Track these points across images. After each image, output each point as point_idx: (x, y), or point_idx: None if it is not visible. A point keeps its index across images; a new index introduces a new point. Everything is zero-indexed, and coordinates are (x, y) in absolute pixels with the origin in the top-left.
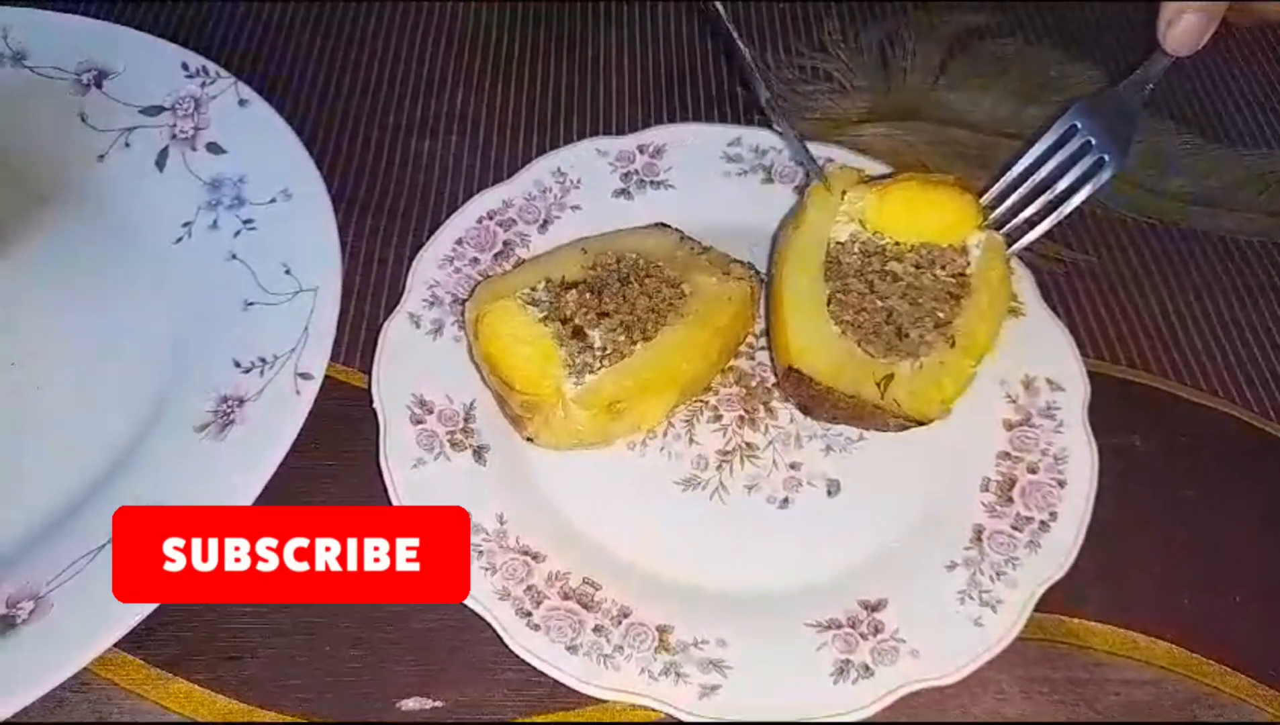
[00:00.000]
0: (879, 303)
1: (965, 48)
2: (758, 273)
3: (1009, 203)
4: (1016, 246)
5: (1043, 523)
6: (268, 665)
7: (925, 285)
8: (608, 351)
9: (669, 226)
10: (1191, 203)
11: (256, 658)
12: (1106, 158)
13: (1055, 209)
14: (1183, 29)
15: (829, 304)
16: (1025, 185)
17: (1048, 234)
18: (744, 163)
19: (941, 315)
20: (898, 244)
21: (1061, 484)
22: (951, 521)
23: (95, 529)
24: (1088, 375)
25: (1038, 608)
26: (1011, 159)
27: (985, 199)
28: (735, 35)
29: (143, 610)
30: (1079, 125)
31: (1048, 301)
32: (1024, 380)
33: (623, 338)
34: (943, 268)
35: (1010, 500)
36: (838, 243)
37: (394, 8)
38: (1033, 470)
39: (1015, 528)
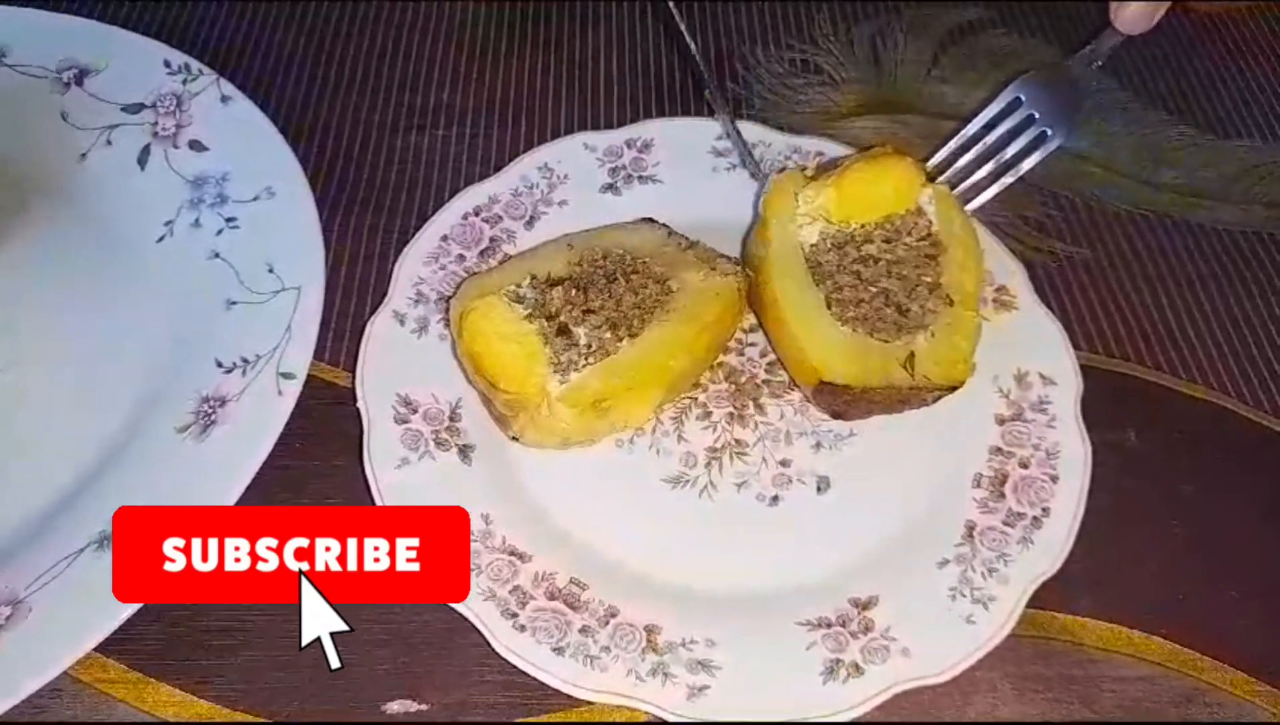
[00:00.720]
0: (872, 289)
1: (957, 42)
2: (744, 268)
3: (954, 169)
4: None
5: (1035, 518)
6: (249, 668)
7: (902, 256)
8: (593, 349)
9: (656, 222)
10: (1186, 195)
11: (238, 660)
12: (1049, 131)
13: (999, 177)
14: (1133, 9)
15: (829, 308)
16: (969, 153)
17: (1039, 227)
18: (732, 157)
19: (929, 278)
20: (862, 226)
21: (1054, 479)
22: (943, 518)
23: (76, 532)
24: (1081, 369)
25: (1031, 604)
26: (954, 128)
27: (930, 164)
28: (681, 27)
29: (124, 613)
30: (1023, 98)
31: (1040, 295)
32: (1016, 374)
33: (609, 335)
34: (910, 234)
35: (1002, 496)
36: (810, 245)
37: (378, 4)
38: (1025, 465)
39: (1007, 524)
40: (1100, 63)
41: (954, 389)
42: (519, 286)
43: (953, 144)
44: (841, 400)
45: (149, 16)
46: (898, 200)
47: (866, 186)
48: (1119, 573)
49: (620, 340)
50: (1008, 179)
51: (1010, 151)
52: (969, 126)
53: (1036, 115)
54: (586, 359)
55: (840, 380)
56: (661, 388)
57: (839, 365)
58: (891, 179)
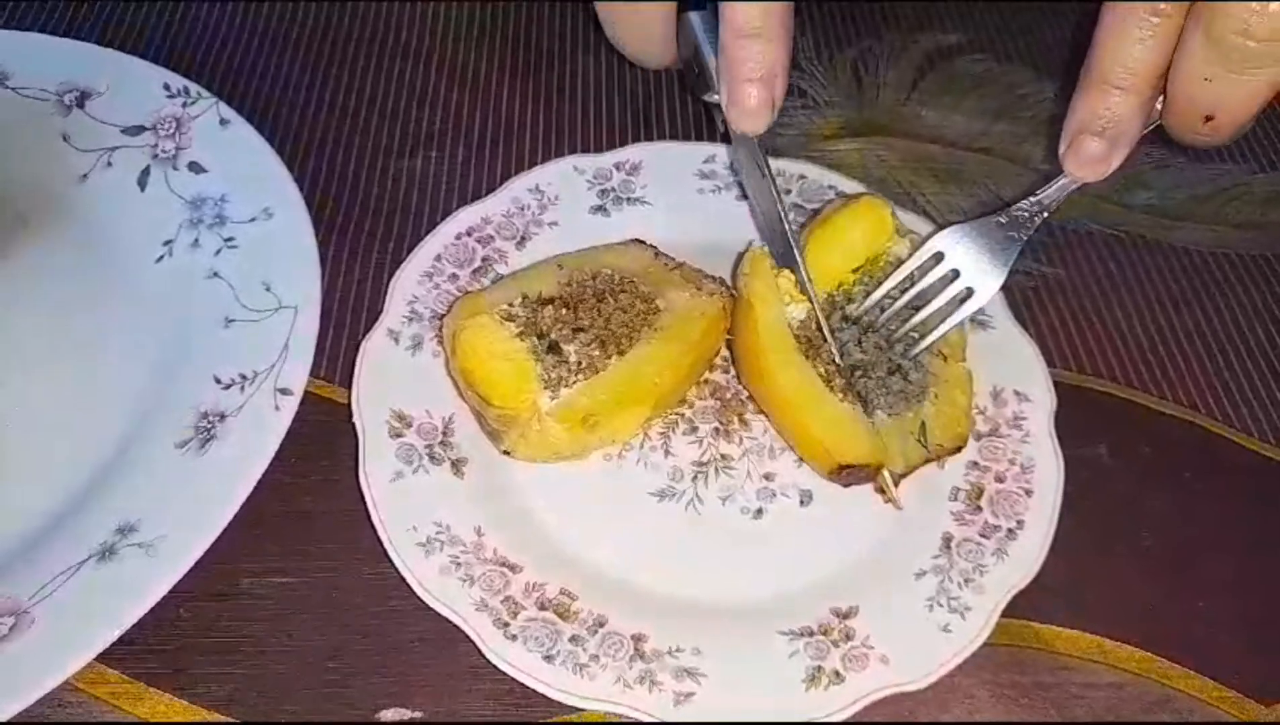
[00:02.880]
0: (866, 357)
1: (937, 66)
2: (729, 288)
3: (883, 319)
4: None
5: (1010, 531)
6: (246, 678)
7: (885, 306)
8: (582, 366)
9: (644, 243)
10: (1158, 216)
11: (235, 669)
12: (973, 288)
13: (929, 332)
14: (1087, 154)
15: (830, 389)
16: (895, 306)
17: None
18: (718, 179)
19: (916, 334)
20: (840, 287)
21: (1029, 493)
22: (921, 530)
23: (77, 544)
24: (1055, 387)
25: (1006, 614)
26: (877, 282)
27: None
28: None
29: (124, 623)
30: (944, 252)
31: (1015, 314)
32: (992, 392)
33: (597, 352)
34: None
35: (979, 509)
36: (799, 322)
37: (374, 29)
38: (1000, 479)
39: (983, 535)
40: (1046, 215)
41: (961, 448)
42: (511, 305)
43: (876, 296)
44: (862, 475)
45: (149, 40)
46: (867, 245)
47: (835, 239)
48: (1091, 583)
49: (609, 357)
50: (932, 337)
51: (930, 310)
52: (889, 280)
53: (958, 272)
54: (576, 376)
55: (857, 461)
56: (649, 404)
57: (852, 446)
58: (860, 223)
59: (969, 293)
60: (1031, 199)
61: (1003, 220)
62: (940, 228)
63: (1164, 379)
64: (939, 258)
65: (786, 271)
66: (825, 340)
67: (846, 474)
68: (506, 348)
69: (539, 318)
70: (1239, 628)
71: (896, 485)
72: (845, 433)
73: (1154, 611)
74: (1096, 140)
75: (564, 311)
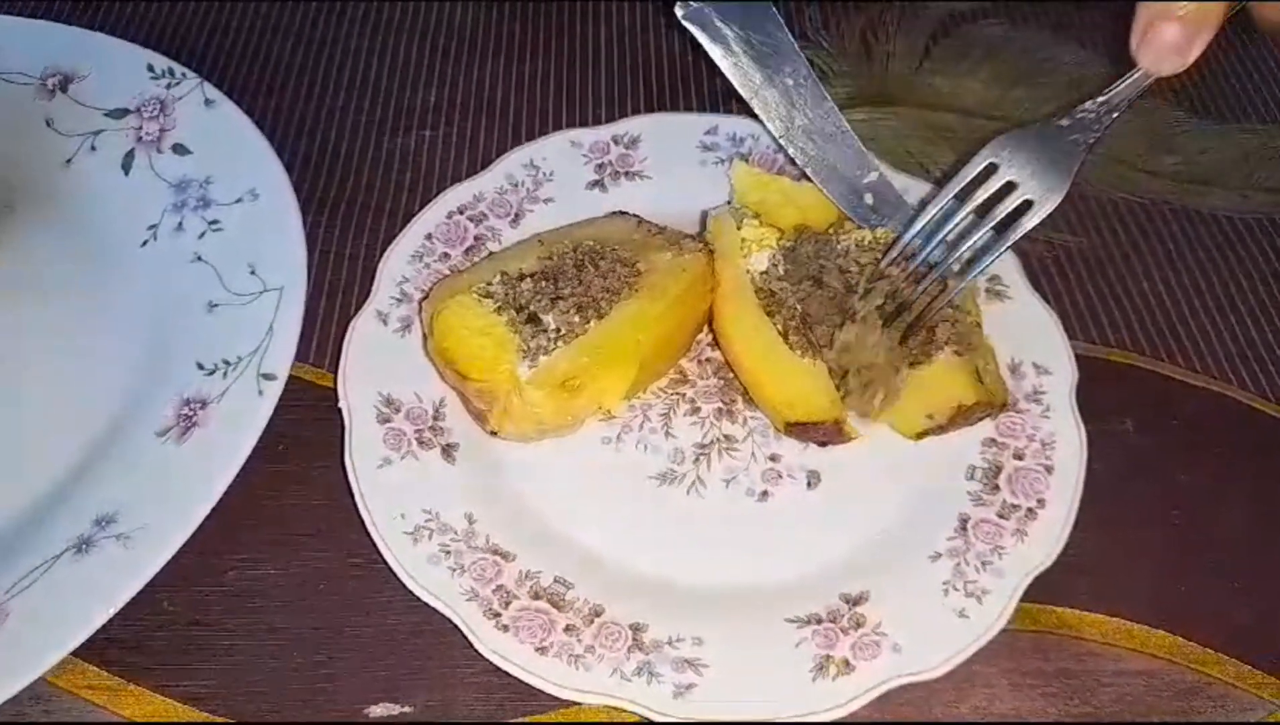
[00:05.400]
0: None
1: (949, 33)
2: (710, 246)
3: (928, 251)
4: (952, 293)
5: (1030, 510)
6: (231, 673)
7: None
8: (562, 333)
9: (626, 213)
10: (1184, 181)
11: (218, 665)
12: (1031, 200)
13: (976, 261)
14: (1170, 35)
15: (789, 345)
16: (941, 235)
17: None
18: (721, 151)
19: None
20: (825, 233)
21: (1049, 470)
22: (935, 511)
23: (54, 536)
24: (1076, 359)
25: (1026, 598)
26: (922, 203)
27: (896, 251)
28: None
29: (101, 618)
30: (996, 164)
31: (1034, 284)
32: (1010, 364)
33: (577, 318)
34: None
35: (996, 488)
36: (760, 274)
37: (362, 5)
38: (1019, 457)
39: (1002, 516)
40: (1115, 116)
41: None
42: (489, 283)
43: (921, 223)
44: (816, 434)
45: (132, 21)
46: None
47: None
48: (1117, 565)
49: (588, 322)
50: (985, 262)
51: (983, 233)
52: (937, 201)
53: (1016, 183)
54: (555, 343)
55: (807, 418)
56: (632, 364)
57: (801, 401)
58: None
59: (1026, 206)
60: (1099, 99)
61: (1064, 122)
62: (993, 136)
63: (1193, 350)
64: (991, 170)
65: (750, 220)
66: (790, 294)
67: (799, 430)
68: (484, 323)
69: (518, 292)
70: (1276, 610)
71: (949, 425)
72: (795, 388)
73: (1184, 593)
74: (1175, 26)
75: (543, 283)
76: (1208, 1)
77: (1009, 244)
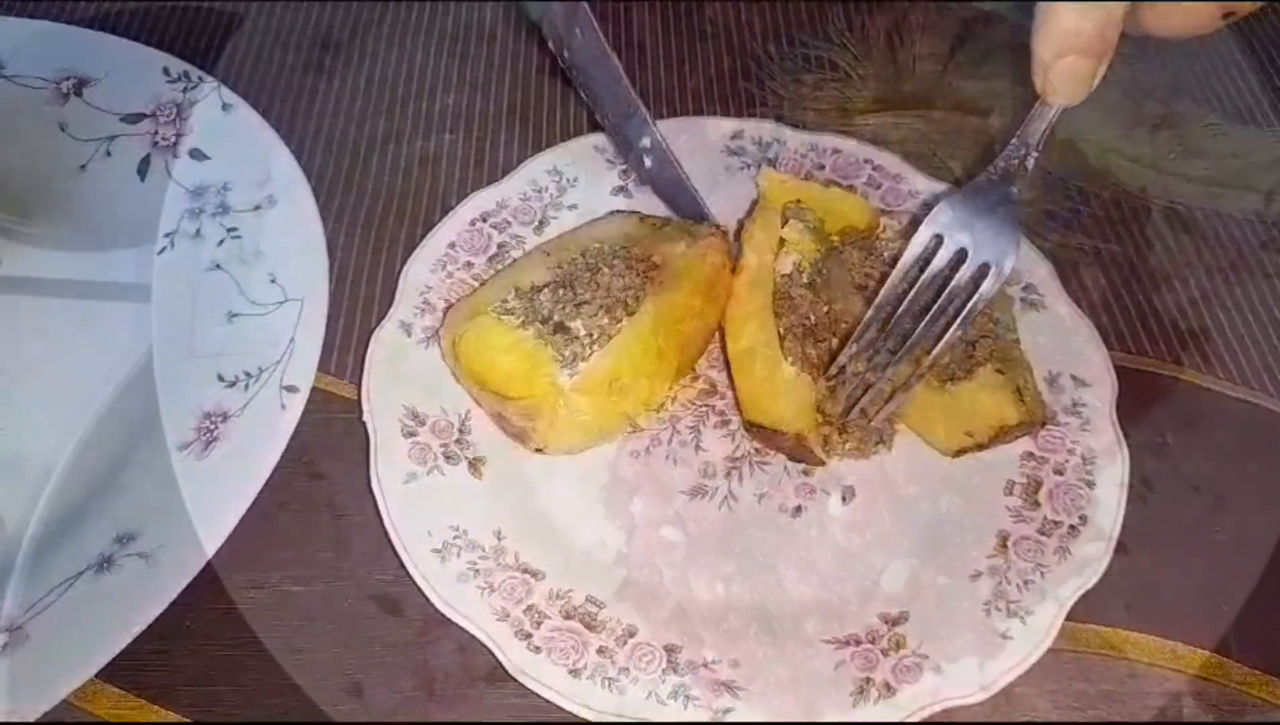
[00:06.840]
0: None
1: (975, 35)
2: (723, 229)
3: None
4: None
5: (1072, 527)
6: (253, 694)
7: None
8: (594, 337)
9: (625, 212)
10: (1214, 185)
11: (242, 686)
12: (988, 263)
13: (942, 335)
14: (1064, 72)
15: (782, 350)
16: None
17: (1067, 223)
18: (747, 156)
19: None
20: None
21: (1090, 485)
22: (975, 528)
23: (75, 556)
24: (1115, 370)
25: (1069, 617)
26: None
27: (854, 346)
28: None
29: (123, 639)
30: (941, 234)
31: (1069, 293)
32: (1047, 377)
33: (606, 320)
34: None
35: (1037, 504)
36: (784, 276)
37: (380, 9)
38: (1059, 472)
39: (1043, 533)
40: (1036, 156)
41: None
42: (505, 300)
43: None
44: (778, 443)
45: (148, 24)
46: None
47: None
48: (1161, 583)
49: (619, 322)
50: (951, 333)
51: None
52: (890, 282)
53: (968, 250)
54: (590, 347)
55: (764, 421)
56: (674, 355)
57: (764, 404)
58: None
59: (984, 270)
60: (1013, 141)
61: (993, 175)
62: (926, 209)
63: (1232, 360)
64: (939, 241)
65: (795, 221)
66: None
67: (761, 435)
68: (511, 339)
69: (537, 304)
70: None
71: (989, 444)
72: (763, 390)
73: (1230, 612)
74: (1076, 59)
75: (561, 292)
76: (1102, 32)
77: (971, 314)
